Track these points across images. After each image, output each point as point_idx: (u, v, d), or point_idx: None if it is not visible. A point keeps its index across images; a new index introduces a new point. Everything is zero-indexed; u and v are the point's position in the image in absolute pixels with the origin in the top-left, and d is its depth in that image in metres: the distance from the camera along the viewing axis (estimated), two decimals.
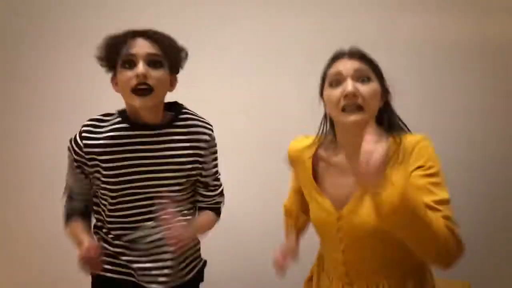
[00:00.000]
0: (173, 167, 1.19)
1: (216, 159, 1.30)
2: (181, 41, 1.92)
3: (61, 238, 2.03)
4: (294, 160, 1.18)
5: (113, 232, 1.22)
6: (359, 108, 0.98)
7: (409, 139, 1.01)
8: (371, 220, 0.93)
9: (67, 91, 2.05)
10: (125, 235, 1.19)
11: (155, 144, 1.17)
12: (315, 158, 1.13)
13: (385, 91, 1.07)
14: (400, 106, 1.67)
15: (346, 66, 1.01)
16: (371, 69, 1.03)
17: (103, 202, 1.21)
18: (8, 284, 2.13)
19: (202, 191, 1.30)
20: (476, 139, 1.66)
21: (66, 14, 2.03)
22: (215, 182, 1.31)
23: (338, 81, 1.02)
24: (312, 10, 1.82)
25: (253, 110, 1.90)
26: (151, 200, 1.18)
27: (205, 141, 1.23)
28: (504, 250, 1.65)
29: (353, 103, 0.98)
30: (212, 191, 1.31)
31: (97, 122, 1.18)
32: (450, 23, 1.68)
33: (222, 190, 1.36)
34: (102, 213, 1.23)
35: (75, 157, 1.18)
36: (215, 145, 1.28)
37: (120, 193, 1.17)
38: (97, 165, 1.16)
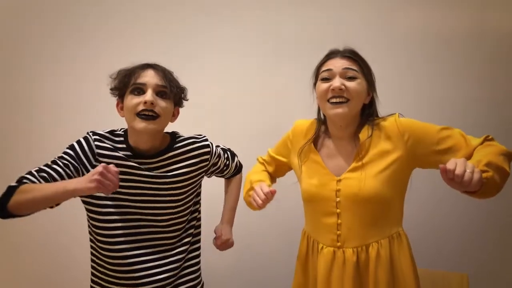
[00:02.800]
0: (176, 185, 1.23)
1: (219, 155, 1.36)
2: (181, 38, 1.94)
3: (60, 237, 2.04)
4: (297, 133, 1.30)
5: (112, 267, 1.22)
6: (344, 101, 1.13)
7: (387, 121, 1.16)
8: (367, 184, 1.12)
9: (68, 91, 2.05)
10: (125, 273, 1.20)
11: (156, 170, 1.21)
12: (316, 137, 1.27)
13: (371, 89, 1.20)
14: (400, 98, 1.68)
15: (337, 64, 1.16)
16: (359, 68, 1.16)
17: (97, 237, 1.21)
18: (9, 282, 2.13)
19: (219, 175, 1.44)
20: (475, 130, 1.67)
21: (68, 13, 2.04)
22: (228, 163, 1.42)
23: (328, 77, 1.16)
24: (311, 5, 1.83)
25: (253, 105, 1.91)
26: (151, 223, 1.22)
27: (207, 153, 1.29)
28: (501, 242, 1.67)
29: (339, 96, 1.13)
30: (227, 169, 1.43)
31: (106, 140, 1.20)
32: (449, 15, 1.69)
33: (234, 156, 1.46)
34: (97, 249, 1.23)
35: (80, 154, 1.17)
36: (215, 150, 1.34)
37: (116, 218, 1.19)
38: None
